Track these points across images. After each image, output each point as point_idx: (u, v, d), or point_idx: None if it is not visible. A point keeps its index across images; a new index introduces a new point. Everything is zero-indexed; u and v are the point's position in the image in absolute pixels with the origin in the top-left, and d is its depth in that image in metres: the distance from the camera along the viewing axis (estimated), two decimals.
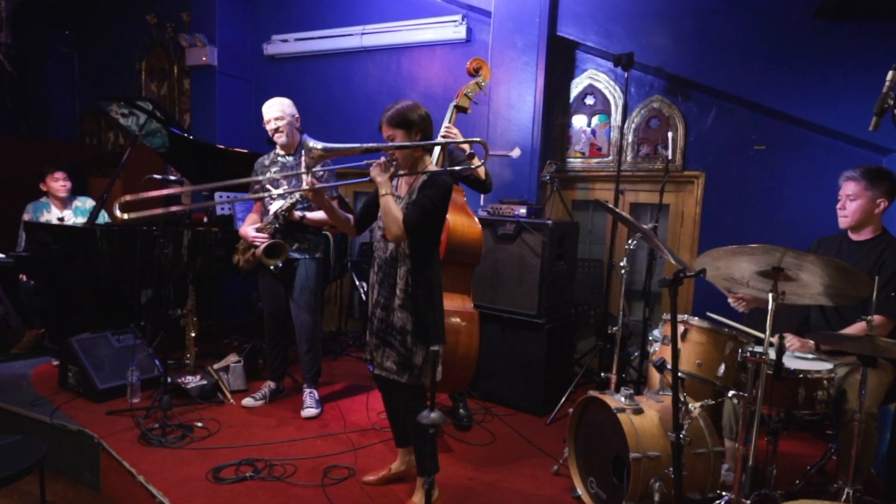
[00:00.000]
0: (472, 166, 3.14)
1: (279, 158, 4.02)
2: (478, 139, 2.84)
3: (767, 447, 2.86)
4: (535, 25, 4.97)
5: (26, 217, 5.31)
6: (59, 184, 5.35)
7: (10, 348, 5.26)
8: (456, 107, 3.94)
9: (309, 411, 4.01)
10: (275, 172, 3.97)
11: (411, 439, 3.06)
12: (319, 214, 3.95)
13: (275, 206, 3.85)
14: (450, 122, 3.87)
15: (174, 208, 2.89)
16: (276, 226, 3.86)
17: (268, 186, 3.94)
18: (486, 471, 3.42)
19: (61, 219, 5.35)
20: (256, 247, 3.87)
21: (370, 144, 2.68)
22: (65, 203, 5.43)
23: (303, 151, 2.60)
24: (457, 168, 3.15)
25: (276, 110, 3.94)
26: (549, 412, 4.23)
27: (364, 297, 5.11)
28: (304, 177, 2.75)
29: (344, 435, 3.78)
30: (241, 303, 6.27)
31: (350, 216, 3.00)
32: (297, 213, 3.88)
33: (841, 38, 4.20)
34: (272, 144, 4.07)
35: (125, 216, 2.38)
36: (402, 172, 2.77)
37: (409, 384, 2.78)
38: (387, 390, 3.05)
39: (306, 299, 4.00)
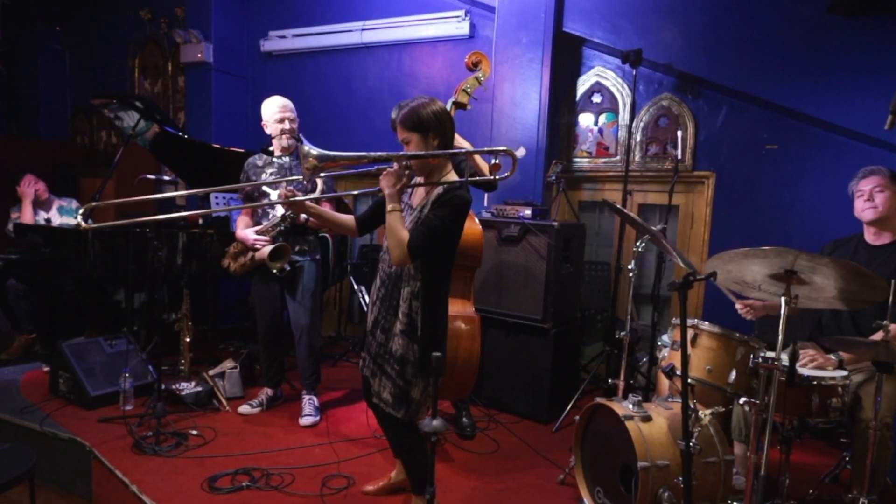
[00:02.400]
0: (497, 177, 2.80)
1: (275, 160, 4.02)
2: (503, 148, 2.62)
3: (780, 456, 2.86)
4: (541, 21, 4.99)
5: (13, 217, 5.33)
6: (30, 188, 5.37)
7: None
8: (454, 103, 3.94)
9: (308, 419, 4.01)
10: (271, 174, 3.98)
11: (404, 459, 2.91)
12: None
13: (281, 209, 3.85)
14: None
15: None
16: (281, 228, 3.86)
17: (265, 189, 3.95)
18: (489, 480, 3.43)
19: (48, 220, 5.38)
20: (255, 250, 3.88)
21: (379, 153, 2.49)
22: (47, 205, 5.44)
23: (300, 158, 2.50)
24: (477, 180, 2.92)
25: (293, 109, 3.97)
26: (554, 420, 4.24)
27: (363, 302, 5.10)
28: (281, 188, 2.63)
29: (343, 443, 3.79)
30: (237, 307, 6.29)
31: (350, 217, 2.92)
32: (302, 216, 3.89)
33: (856, 34, 4.21)
34: (267, 151, 4.07)
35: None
36: (417, 181, 2.62)
37: (404, 420, 2.64)
38: (381, 416, 2.85)
39: (307, 303, 4.01)
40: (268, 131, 4.01)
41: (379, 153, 2.50)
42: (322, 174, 3.02)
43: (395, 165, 2.52)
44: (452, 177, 2.68)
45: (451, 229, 2.55)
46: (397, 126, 2.58)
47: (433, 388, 2.23)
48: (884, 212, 3.10)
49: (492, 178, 2.76)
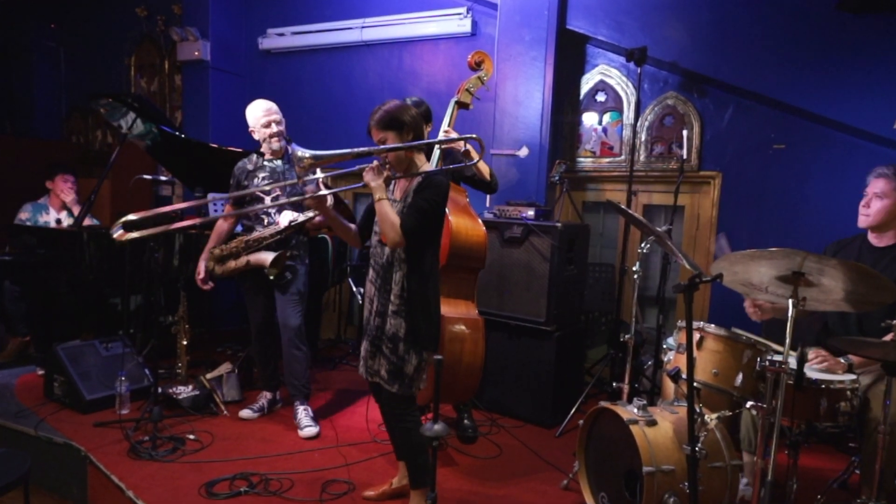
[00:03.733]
0: (470, 162, 3.22)
1: (266, 163, 4.01)
2: (472, 136, 2.87)
3: (787, 461, 2.86)
4: (544, 18, 5.00)
5: (23, 216, 5.35)
6: (68, 185, 5.40)
7: None
8: (457, 103, 3.95)
9: (309, 430, 3.95)
10: (263, 178, 3.97)
11: (402, 451, 3.07)
12: (321, 216, 3.98)
13: (286, 218, 3.85)
14: (450, 122, 3.89)
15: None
16: (280, 237, 3.85)
17: (259, 194, 3.94)
18: (491, 485, 3.43)
19: (59, 221, 5.39)
20: (236, 256, 3.89)
21: (361, 149, 2.71)
22: (64, 206, 5.45)
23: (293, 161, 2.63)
24: (453, 167, 3.21)
25: (278, 111, 3.98)
26: (558, 424, 4.24)
27: (361, 304, 5.11)
28: (315, 186, 2.80)
29: (343, 448, 3.80)
30: (235, 309, 6.29)
31: (354, 227, 3.02)
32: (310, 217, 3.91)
33: (865, 32, 4.22)
34: (260, 153, 4.07)
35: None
36: (397, 175, 2.80)
37: (398, 394, 2.81)
38: (381, 398, 3.02)
39: (294, 306, 4.00)
40: (256, 137, 4.02)
41: (362, 149, 2.73)
42: (315, 175, 3.10)
43: (375, 162, 2.72)
44: (429, 167, 2.89)
45: (436, 209, 2.75)
46: (373, 128, 2.78)
47: (435, 393, 2.25)
48: (874, 222, 3.08)
49: (465, 163, 3.27)
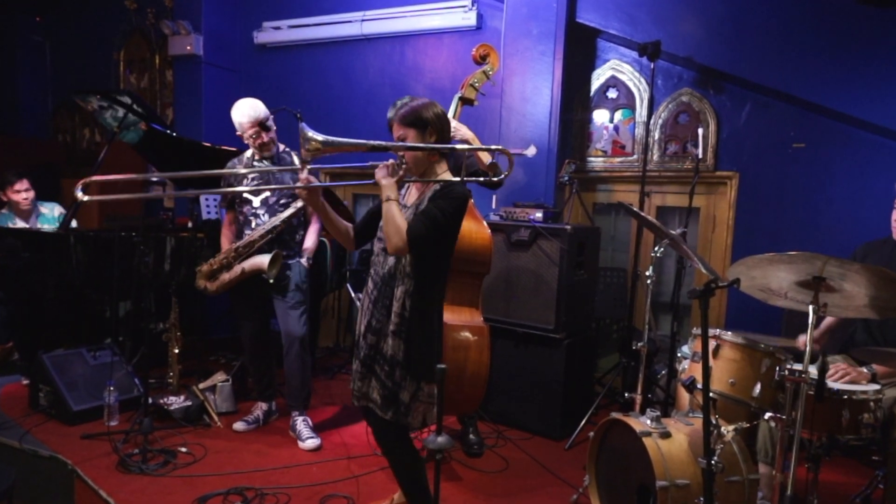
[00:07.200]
0: (495, 178, 2.93)
1: (255, 163, 4.01)
2: (497, 146, 2.74)
3: (807, 474, 2.87)
4: (553, 11, 5.01)
5: None
6: (20, 196, 5.24)
7: None
8: (461, 98, 3.96)
9: (311, 442, 3.96)
10: (253, 179, 3.98)
11: (398, 480, 2.94)
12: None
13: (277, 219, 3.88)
14: (454, 117, 3.88)
15: None
16: (272, 236, 3.87)
17: (246, 196, 3.95)
18: (498, 500, 3.44)
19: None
20: (228, 267, 3.91)
21: (378, 142, 2.56)
22: (28, 214, 5.36)
23: (300, 141, 2.51)
24: (473, 179, 2.96)
25: (266, 114, 3.94)
26: (567, 436, 4.25)
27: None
28: (299, 173, 2.66)
29: (342, 461, 3.81)
30: (228, 316, 6.30)
31: (350, 225, 2.90)
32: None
33: (887, 25, 4.22)
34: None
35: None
36: (412, 178, 2.69)
37: (391, 422, 2.68)
38: (373, 422, 2.89)
39: (298, 314, 4.01)
40: (244, 139, 3.99)
41: (378, 142, 2.57)
42: (314, 165, 3.05)
43: (391, 160, 2.60)
44: (449, 176, 2.73)
45: (450, 222, 2.60)
46: (394, 123, 2.66)
47: (438, 401, 2.25)
48: None
49: (488, 177, 2.93)
